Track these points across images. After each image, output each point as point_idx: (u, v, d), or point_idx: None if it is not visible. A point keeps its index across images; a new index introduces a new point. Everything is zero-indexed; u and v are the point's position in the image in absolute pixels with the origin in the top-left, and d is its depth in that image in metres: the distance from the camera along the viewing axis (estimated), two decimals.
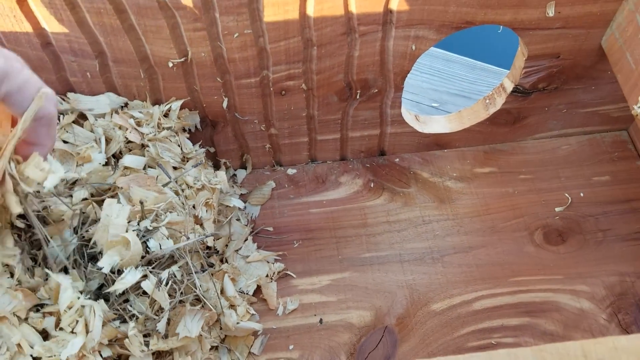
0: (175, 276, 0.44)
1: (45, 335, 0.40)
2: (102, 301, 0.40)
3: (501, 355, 0.25)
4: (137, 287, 0.43)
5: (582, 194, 0.62)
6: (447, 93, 0.75)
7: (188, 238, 0.45)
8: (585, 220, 0.60)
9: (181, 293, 0.44)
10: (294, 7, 0.48)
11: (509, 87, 0.59)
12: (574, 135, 0.66)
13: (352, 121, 0.61)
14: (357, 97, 0.58)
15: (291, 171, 0.64)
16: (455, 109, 0.73)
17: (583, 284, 0.56)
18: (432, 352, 0.52)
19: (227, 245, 0.56)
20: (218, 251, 0.55)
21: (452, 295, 0.55)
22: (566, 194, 0.62)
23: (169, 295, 0.43)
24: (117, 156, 0.51)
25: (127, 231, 0.42)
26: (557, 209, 0.61)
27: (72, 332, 0.39)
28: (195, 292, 0.45)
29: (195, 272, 0.46)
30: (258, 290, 0.55)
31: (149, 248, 0.44)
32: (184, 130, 0.56)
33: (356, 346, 0.53)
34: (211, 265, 0.53)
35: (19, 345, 0.38)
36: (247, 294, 0.54)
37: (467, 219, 0.60)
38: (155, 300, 0.42)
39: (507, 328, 0.53)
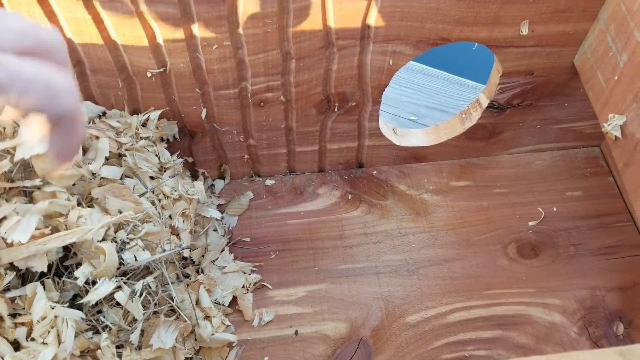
0: (149, 287, 0.44)
1: (16, 345, 0.40)
2: (76, 311, 0.40)
3: None
4: (111, 298, 0.42)
5: (555, 209, 0.63)
6: (425, 107, 0.76)
7: (164, 250, 0.45)
8: (557, 234, 0.61)
9: (155, 304, 0.43)
10: (273, 20, 0.48)
11: (485, 102, 0.61)
12: (548, 151, 0.68)
13: (331, 133, 0.61)
14: (336, 110, 0.58)
15: (269, 182, 0.65)
16: (433, 122, 0.74)
17: (555, 297, 0.57)
18: None
19: (203, 256, 0.56)
20: (194, 262, 0.54)
21: (426, 307, 0.56)
22: (539, 209, 0.63)
23: (143, 306, 0.43)
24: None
25: (102, 242, 0.42)
26: (530, 223, 0.62)
27: (43, 342, 0.39)
28: (170, 303, 0.45)
29: (171, 283, 0.46)
30: (234, 301, 0.55)
31: (123, 259, 0.44)
32: (162, 140, 0.56)
33: (331, 358, 0.53)
34: (187, 276, 0.52)
35: None
36: (223, 305, 0.54)
37: (442, 231, 0.61)
38: (129, 312, 0.42)
39: (480, 341, 0.54)
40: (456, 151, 0.65)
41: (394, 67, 0.54)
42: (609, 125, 0.50)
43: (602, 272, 0.59)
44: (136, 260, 0.44)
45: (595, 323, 0.55)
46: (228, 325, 0.53)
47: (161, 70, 0.51)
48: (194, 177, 0.62)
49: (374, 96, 0.57)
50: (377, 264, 0.59)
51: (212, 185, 0.64)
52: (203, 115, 0.56)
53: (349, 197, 0.64)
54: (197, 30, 0.48)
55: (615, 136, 0.49)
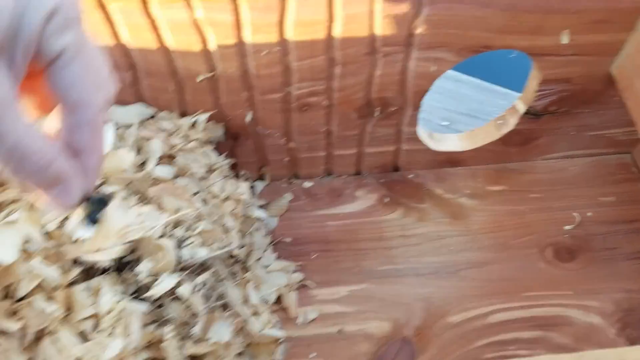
0: (207, 283, 0.45)
1: (82, 339, 0.41)
2: (141, 304, 0.42)
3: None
4: (170, 293, 0.44)
5: (589, 214, 0.64)
6: (456, 113, 0.77)
7: (223, 247, 0.46)
8: (593, 238, 0.62)
9: (215, 299, 0.45)
10: (321, 27, 0.50)
11: (522, 109, 0.62)
12: (581, 157, 0.69)
13: (370, 137, 0.62)
14: (376, 114, 0.60)
15: (308, 184, 0.66)
16: (465, 128, 0.75)
17: (592, 299, 0.58)
18: None
19: (248, 255, 0.57)
20: (240, 260, 0.56)
21: (467, 308, 0.57)
22: (574, 213, 0.64)
23: (203, 301, 0.44)
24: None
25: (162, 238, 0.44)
26: (566, 227, 0.63)
27: (110, 335, 0.40)
28: (224, 299, 0.47)
29: (225, 280, 0.47)
30: (278, 299, 0.57)
31: (181, 256, 0.45)
32: (209, 142, 0.58)
33: (375, 356, 0.54)
34: (234, 274, 0.54)
35: (60, 347, 0.39)
36: (268, 302, 0.55)
37: (480, 235, 0.62)
38: (189, 306, 0.43)
39: (521, 341, 0.55)
40: (491, 156, 0.67)
41: (436, 72, 0.56)
42: None
43: (638, 275, 0.60)
44: (193, 257, 0.45)
45: (633, 325, 0.56)
46: (275, 322, 0.54)
47: (210, 75, 0.53)
48: (236, 178, 0.64)
49: (415, 101, 0.58)
50: (417, 265, 0.60)
51: (252, 187, 0.65)
52: (248, 118, 0.58)
53: (386, 200, 0.65)
54: (249, 36, 0.50)
55: None
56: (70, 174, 0.28)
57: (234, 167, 0.63)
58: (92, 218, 0.33)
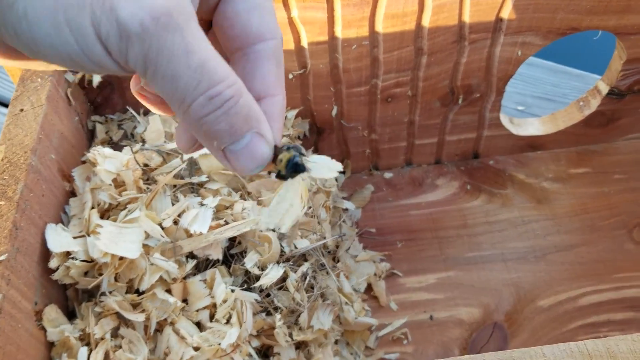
0: (309, 272, 0.47)
1: (200, 327, 0.44)
2: (252, 294, 0.44)
3: None
4: (277, 282, 0.46)
5: None
6: (531, 96, 0.76)
7: (324, 237, 0.48)
8: None
9: (319, 287, 0.47)
10: (411, 18, 0.51)
11: (604, 89, 0.61)
12: None
13: (451, 125, 0.63)
14: (459, 102, 0.60)
15: (388, 175, 0.67)
16: (541, 111, 0.74)
17: None
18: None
19: (337, 246, 0.59)
20: (330, 251, 0.57)
21: (557, 292, 0.57)
22: None
23: (305, 290, 0.46)
24: None
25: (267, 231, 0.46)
26: None
27: (226, 323, 0.43)
28: (324, 288, 0.48)
29: (325, 269, 0.49)
30: (368, 288, 0.58)
31: (283, 247, 0.47)
32: (297, 137, 0.59)
33: (468, 341, 0.55)
34: (326, 265, 0.55)
35: (181, 336, 0.42)
36: (359, 291, 0.57)
37: (565, 218, 0.62)
38: (294, 295, 0.45)
39: (614, 322, 0.55)
40: (573, 139, 0.66)
41: (521, 57, 0.56)
42: None
43: None
44: (296, 247, 0.47)
45: None
46: (367, 310, 0.56)
47: (302, 71, 0.54)
48: None
49: (499, 87, 0.59)
50: (504, 251, 0.60)
51: (335, 179, 0.67)
52: (334, 113, 0.59)
53: (468, 188, 0.65)
54: (340, 32, 0.51)
55: None
56: (260, 112, 0.24)
57: None
58: (296, 165, 0.26)
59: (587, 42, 0.70)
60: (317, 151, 0.64)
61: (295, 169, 0.26)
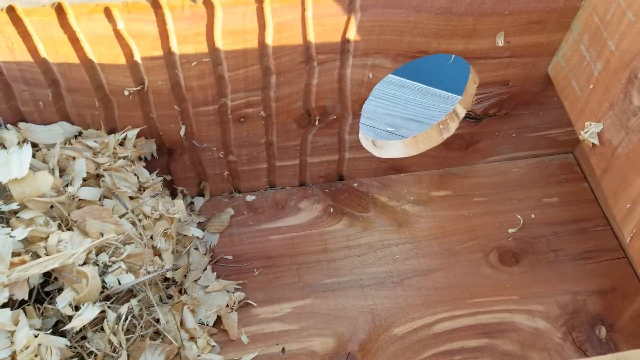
0: (133, 310, 0.43)
1: None
2: (60, 338, 0.39)
3: None
4: (95, 322, 0.41)
5: (533, 216, 0.64)
6: (401, 118, 0.76)
7: (148, 272, 0.44)
8: (537, 241, 0.62)
9: (141, 327, 0.42)
10: (252, 36, 0.48)
11: (462, 113, 0.61)
12: (523, 159, 0.69)
13: (311, 147, 0.61)
14: (316, 123, 0.58)
15: (250, 197, 0.64)
16: (410, 133, 0.74)
17: (538, 303, 0.58)
18: None
19: (185, 276, 0.55)
20: (176, 282, 0.53)
21: (413, 318, 0.56)
22: (518, 216, 0.64)
23: (129, 330, 0.42)
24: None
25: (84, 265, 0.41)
26: (510, 231, 0.63)
27: None
28: (155, 325, 0.44)
29: (156, 305, 0.45)
30: (218, 320, 0.54)
31: (105, 283, 0.42)
32: (140, 159, 0.55)
33: None
34: (170, 297, 0.51)
35: None
36: (207, 325, 0.53)
37: (425, 242, 0.61)
38: (114, 336, 0.41)
39: (467, 350, 0.54)
40: (435, 161, 0.66)
41: (373, 80, 0.54)
42: (585, 132, 0.51)
43: (582, 276, 0.60)
44: (120, 283, 0.43)
45: (579, 327, 0.56)
46: (214, 346, 0.52)
47: (139, 88, 0.50)
48: (173, 195, 0.61)
49: (354, 109, 0.57)
50: (362, 276, 0.58)
51: (192, 202, 0.63)
52: (182, 132, 0.56)
53: (331, 210, 0.63)
54: (176, 47, 0.48)
55: (593, 143, 0.50)
56: None
57: (170, 183, 0.61)
58: None
59: (457, 65, 0.71)
60: (170, 173, 0.60)
61: None
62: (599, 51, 0.49)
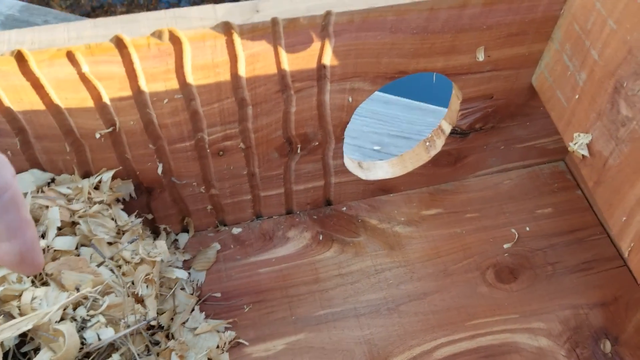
0: None
1: None
2: None
3: None
4: None
5: (527, 228, 0.62)
6: (387, 135, 0.74)
7: (128, 325, 0.42)
8: (533, 254, 0.60)
9: None
10: (224, 69, 0.46)
11: (447, 129, 0.60)
12: (514, 170, 0.67)
13: (295, 175, 0.59)
14: (298, 151, 0.56)
15: (236, 230, 0.62)
16: (397, 150, 0.72)
17: (539, 320, 0.56)
18: None
19: (172, 319, 0.53)
20: (163, 327, 0.51)
21: (411, 346, 0.54)
22: (512, 230, 0.62)
23: None
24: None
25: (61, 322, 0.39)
26: (505, 246, 0.61)
27: None
28: None
29: (139, 358, 0.43)
30: None
31: (85, 339, 0.40)
32: (118, 201, 0.53)
33: None
34: (156, 344, 0.49)
35: None
36: None
37: (418, 264, 0.59)
38: None
39: None
40: (423, 179, 0.64)
41: (353, 104, 0.53)
42: (575, 144, 0.49)
43: (582, 289, 0.58)
44: (99, 339, 0.41)
45: (582, 343, 0.54)
46: None
47: (110, 130, 0.49)
48: (156, 233, 0.59)
49: (337, 134, 0.55)
50: (356, 305, 0.56)
51: (176, 240, 0.61)
52: (159, 170, 0.54)
53: (321, 238, 0.62)
54: (145, 86, 0.46)
55: (583, 155, 0.48)
56: None
57: (152, 222, 0.59)
58: None
59: (441, 77, 0.69)
60: (151, 212, 0.58)
61: None
62: (582, 60, 0.47)
